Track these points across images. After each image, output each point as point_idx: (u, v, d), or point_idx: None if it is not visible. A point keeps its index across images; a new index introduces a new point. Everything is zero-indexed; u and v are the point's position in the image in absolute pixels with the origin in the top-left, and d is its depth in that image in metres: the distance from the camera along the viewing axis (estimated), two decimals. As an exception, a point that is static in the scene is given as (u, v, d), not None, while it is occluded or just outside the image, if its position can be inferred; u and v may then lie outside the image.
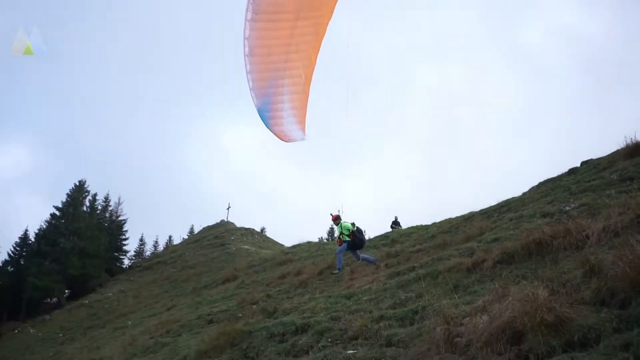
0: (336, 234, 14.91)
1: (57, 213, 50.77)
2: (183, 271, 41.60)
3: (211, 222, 63.25)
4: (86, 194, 54.37)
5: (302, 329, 9.68)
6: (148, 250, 66.74)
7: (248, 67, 8.05)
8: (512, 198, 16.70)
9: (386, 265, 14.11)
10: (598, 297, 5.13)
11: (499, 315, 5.34)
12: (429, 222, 20.42)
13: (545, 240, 8.12)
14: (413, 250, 14.96)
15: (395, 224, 27.92)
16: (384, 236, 21.33)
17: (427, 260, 12.22)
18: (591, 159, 15.98)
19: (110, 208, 61.32)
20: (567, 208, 11.35)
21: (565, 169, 16.34)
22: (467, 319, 6.16)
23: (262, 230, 63.09)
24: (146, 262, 57.00)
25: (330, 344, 8.41)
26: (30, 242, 50.43)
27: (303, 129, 8.95)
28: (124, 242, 60.16)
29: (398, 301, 9.41)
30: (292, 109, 8.59)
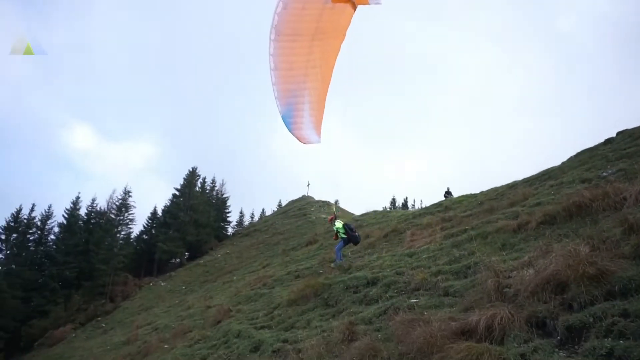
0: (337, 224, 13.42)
1: (177, 193, 53.60)
2: (274, 237, 42.73)
3: (295, 197, 64.47)
4: (198, 177, 56.93)
5: (372, 282, 9.70)
6: (246, 220, 69.20)
7: (273, 79, 8.09)
8: (552, 167, 15.66)
9: (442, 228, 13.76)
10: (637, 251, 4.74)
11: (543, 269, 5.08)
12: (477, 191, 19.60)
13: (585, 202, 7.57)
14: (464, 215, 14.47)
15: (448, 193, 27.10)
16: (438, 204, 20.74)
17: (477, 223, 11.79)
18: (626, 129, 14.66)
19: (216, 188, 64.01)
20: (604, 174, 10.51)
21: (601, 140, 15.09)
22: (515, 272, 5.91)
23: (336, 202, 63.47)
24: (245, 230, 59.14)
25: (396, 294, 8.38)
26: (158, 216, 53.64)
27: (319, 134, 8.84)
28: (227, 215, 62.71)
29: (453, 258, 9.18)
30: (310, 117, 8.57)
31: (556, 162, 16.06)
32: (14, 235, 40.74)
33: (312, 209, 51.47)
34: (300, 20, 7.30)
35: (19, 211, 41.87)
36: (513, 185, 16.37)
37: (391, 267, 10.45)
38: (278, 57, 7.90)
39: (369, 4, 6.16)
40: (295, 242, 31.86)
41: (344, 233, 12.95)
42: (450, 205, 18.87)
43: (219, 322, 13.71)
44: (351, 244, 13.84)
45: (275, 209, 69.23)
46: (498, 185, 18.26)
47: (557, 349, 4.14)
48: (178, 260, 49.83)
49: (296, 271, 16.98)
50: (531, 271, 5.38)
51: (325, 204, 56.55)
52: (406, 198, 70.61)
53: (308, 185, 63.51)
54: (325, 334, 7.87)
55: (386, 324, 6.88)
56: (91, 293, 40.48)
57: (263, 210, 75.71)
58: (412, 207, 64.88)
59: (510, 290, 5.42)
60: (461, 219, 14.05)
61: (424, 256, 10.45)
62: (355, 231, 13.36)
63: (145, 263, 48.92)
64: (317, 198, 59.33)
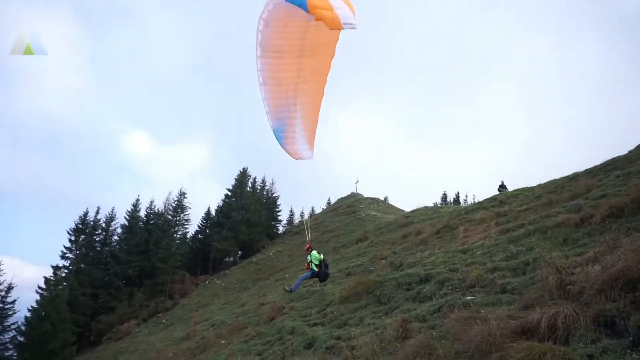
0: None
1: (229, 193, 55.10)
2: (324, 234, 42.95)
3: (343, 194, 64.49)
4: (248, 177, 58.25)
5: (425, 279, 9.52)
6: (296, 219, 69.98)
7: (263, 94, 7.96)
8: (618, 157, 14.65)
9: (497, 223, 13.26)
10: None
11: (611, 265, 4.76)
12: (534, 184, 18.67)
13: (657, 194, 7.05)
14: (521, 210, 13.87)
15: (502, 187, 26.11)
16: (492, 199, 20.01)
17: (534, 218, 11.27)
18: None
19: (266, 187, 65.20)
20: (678, 163, 9.72)
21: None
22: (579, 268, 5.59)
23: (385, 198, 62.80)
24: (295, 228, 59.87)
25: (450, 291, 8.17)
26: (212, 216, 55.36)
27: (312, 149, 8.64)
28: (278, 213, 63.74)
29: (510, 254, 8.83)
30: (303, 132, 8.41)
31: (622, 151, 15.03)
32: (82, 236, 43.48)
33: (362, 206, 51.25)
34: (284, 37, 7.14)
35: (85, 214, 44.64)
36: (574, 177, 15.51)
37: (444, 263, 10.21)
38: (266, 73, 7.80)
39: (343, 28, 5.85)
40: (345, 240, 31.86)
41: (316, 266, 11.91)
42: (505, 199, 18.16)
43: (272, 319, 13.97)
44: (317, 279, 12.67)
45: (325, 207, 69.53)
46: (557, 177, 17.36)
47: (629, 350, 3.87)
48: (232, 258, 51.21)
49: (347, 269, 16.97)
50: (597, 267, 5.07)
51: (375, 200, 56.16)
52: (458, 193, 68.69)
53: (357, 183, 63.41)
54: (378, 332, 7.81)
55: (441, 321, 6.73)
56: (152, 291, 42.48)
57: (312, 208, 76.29)
58: (464, 203, 63.01)
59: (575, 288, 5.13)
60: (517, 213, 13.48)
61: (479, 252, 10.12)
62: (328, 268, 12.31)
63: (201, 261, 50.66)
64: (366, 195, 59.06)
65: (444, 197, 68.39)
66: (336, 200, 64.59)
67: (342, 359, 7.41)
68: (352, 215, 47.25)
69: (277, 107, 8.11)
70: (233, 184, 55.55)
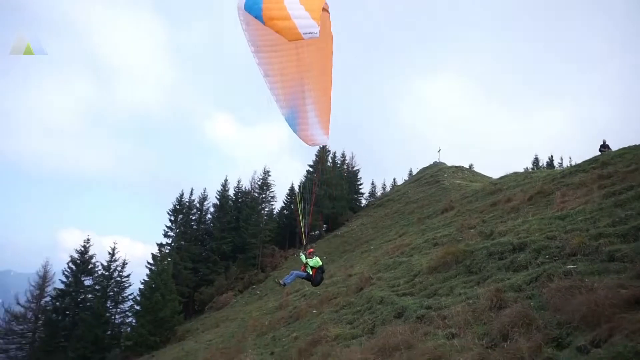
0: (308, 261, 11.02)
1: (310, 169, 56.23)
2: (407, 205, 42.42)
3: (426, 164, 62.89)
4: (328, 152, 58.85)
5: (519, 248, 9.07)
6: (378, 191, 69.61)
7: (268, 85, 7.69)
8: None
9: (599, 186, 12.14)
10: None
11: None
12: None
13: None
14: (628, 171, 12.52)
15: (604, 147, 23.69)
16: (593, 160, 18.24)
17: (646, 178, 10.16)
18: None
19: (346, 161, 65.49)
20: None
21: None
22: None
23: (471, 166, 60.15)
24: (378, 201, 59.71)
25: (548, 260, 7.71)
26: (295, 192, 57.01)
27: (326, 134, 8.33)
28: (359, 187, 63.88)
29: (617, 219, 8.07)
30: (315, 117, 8.11)
31: None
32: (180, 216, 47.12)
33: (445, 175, 49.69)
34: (271, 32, 6.60)
35: (181, 196, 48.19)
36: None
37: (540, 231, 9.62)
38: (265, 66, 7.58)
39: (302, 39, 5.56)
40: (430, 210, 31.22)
41: (311, 269, 11.44)
42: (608, 160, 16.52)
43: (361, 289, 14.21)
44: (308, 281, 11.90)
45: (407, 178, 68.36)
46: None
47: None
48: (317, 232, 52.54)
49: (434, 239, 16.67)
50: None
51: (459, 168, 54.09)
52: (551, 156, 63.60)
53: (439, 151, 61.33)
54: (470, 301, 7.63)
55: (539, 291, 6.40)
56: (245, 264, 45.16)
57: (394, 180, 75.42)
58: (559, 166, 58.33)
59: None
60: (624, 174, 12.21)
61: (579, 218, 9.39)
62: (323, 275, 11.79)
63: (288, 236, 52.66)
64: (449, 164, 57.09)
65: (536, 161, 63.84)
66: (418, 170, 63.19)
67: (433, 328, 7.37)
68: (435, 185, 46.03)
69: (285, 96, 7.91)
70: (314, 159, 56.50)
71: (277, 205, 55.86)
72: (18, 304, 36.13)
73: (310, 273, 11.32)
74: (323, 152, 56.51)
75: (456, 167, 55.13)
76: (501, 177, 28.47)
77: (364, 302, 12.05)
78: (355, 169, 65.14)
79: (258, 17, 5.70)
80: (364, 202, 63.97)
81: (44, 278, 37.49)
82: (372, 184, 68.83)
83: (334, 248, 40.55)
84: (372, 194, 67.12)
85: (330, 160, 58.98)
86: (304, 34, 5.39)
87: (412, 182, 56.25)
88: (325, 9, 6.46)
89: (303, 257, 11.25)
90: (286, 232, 53.15)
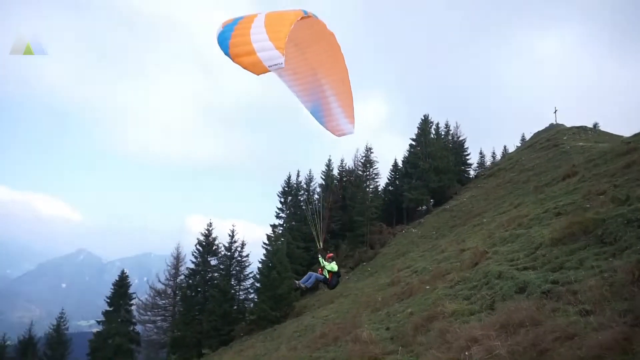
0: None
1: (413, 143, 54.86)
2: (522, 174, 39.49)
3: (540, 128, 57.74)
4: (431, 124, 56.69)
5: (664, 213, 7.95)
6: (487, 160, 65.66)
7: (286, 84, 7.92)
8: None
9: None
10: None
11: None
12: None
13: None
14: None
15: None
16: None
17: None
18: None
19: (451, 132, 62.64)
20: None
21: None
22: None
23: (595, 125, 53.76)
24: (487, 171, 56.43)
25: None
26: (399, 167, 56.18)
27: (352, 123, 8.51)
28: (466, 157, 60.83)
29: None
30: (339, 107, 8.31)
31: None
32: (289, 197, 49.32)
33: (564, 138, 45.27)
34: None
35: (289, 178, 50.30)
36: None
37: (691, 193, 8.30)
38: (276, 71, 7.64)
39: (268, 71, 5.49)
40: (549, 177, 28.71)
41: (328, 273, 12.30)
42: None
43: (476, 264, 13.63)
44: (324, 284, 12.76)
45: (519, 144, 63.56)
46: None
47: None
48: (424, 207, 51.42)
49: (555, 208, 15.33)
50: None
51: (581, 129, 48.76)
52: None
53: (555, 112, 55.85)
54: (605, 275, 6.90)
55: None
56: (354, 242, 45.94)
57: (505, 147, 70.53)
58: None
59: None
60: None
61: None
62: (340, 279, 12.71)
63: (394, 212, 52.32)
64: (568, 125, 51.80)
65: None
66: (532, 135, 58.35)
67: (563, 304, 6.81)
68: (553, 149, 42.17)
69: (305, 92, 8.13)
70: (416, 133, 54.97)
71: (382, 182, 55.57)
72: (159, 281, 41.45)
73: (327, 277, 12.28)
74: (425, 124, 54.65)
75: (577, 127, 49.85)
76: (635, 135, 25.01)
77: (480, 277, 11.53)
78: (460, 139, 62.12)
79: (226, 54, 5.77)
80: (472, 173, 60.97)
81: (177, 259, 42.19)
82: (481, 153, 64.91)
83: (443, 223, 39.39)
84: (481, 164, 63.47)
85: (434, 132, 56.90)
86: (269, 66, 5.42)
87: (525, 148, 52.20)
88: (306, 17, 6.49)
89: (322, 260, 12.15)
90: (392, 208, 52.89)
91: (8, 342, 33.65)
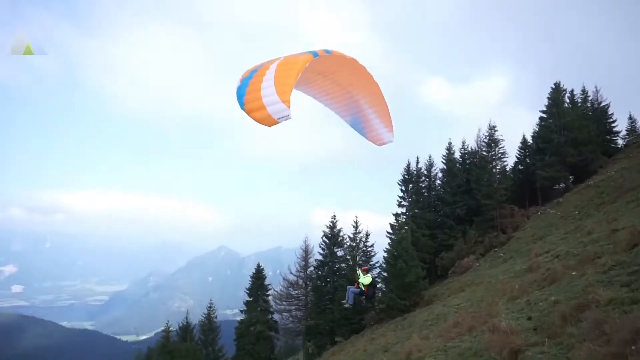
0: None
1: (544, 115, 49.72)
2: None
3: None
4: (564, 92, 50.72)
5: None
6: (639, 126, 56.23)
7: (322, 104, 8.78)
8: None
9: None
10: None
11: None
12: None
13: None
14: None
15: None
16: None
17: None
18: None
19: (589, 98, 55.28)
20: None
21: None
22: None
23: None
24: (640, 138, 48.73)
25: None
26: (529, 144, 51.38)
27: (391, 132, 9.01)
28: (612, 125, 53.05)
29: None
30: (377, 119, 8.85)
31: None
32: (410, 185, 48.32)
33: None
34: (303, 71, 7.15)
35: (408, 165, 49.23)
36: None
37: None
38: (310, 93, 8.56)
39: (278, 123, 5.93)
40: None
41: (364, 286, 13.24)
42: None
43: (634, 245, 11.86)
44: (361, 296, 14.03)
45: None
46: None
47: None
48: (562, 185, 46.44)
49: None
50: None
51: None
52: None
53: None
54: None
55: None
56: (483, 227, 43.33)
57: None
58: None
59: None
60: None
61: None
62: (375, 290, 14.04)
63: (527, 193, 48.12)
64: None
65: None
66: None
67: None
68: None
69: (343, 107, 8.83)
70: (546, 104, 49.72)
71: (510, 161, 51.33)
72: (291, 273, 44.13)
73: (363, 289, 13.32)
74: (557, 92, 49.20)
75: None
76: None
77: (642, 260, 9.98)
78: (602, 105, 54.45)
79: (242, 108, 6.21)
80: (620, 142, 52.92)
81: (306, 251, 44.33)
82: (630, 118, 54.51)
83: (587, 201, 35.13)
84: (632, 130, 53.97)
85: (568, 101, 50.90)
86: (278, 119, 5.87)
87: (690, 107, 43.86)
88: (321, 54, 7.04)
89: (360, 273, 13.61)
90: (524, 189, 48.71)
91: (171, 328, 39.06)
